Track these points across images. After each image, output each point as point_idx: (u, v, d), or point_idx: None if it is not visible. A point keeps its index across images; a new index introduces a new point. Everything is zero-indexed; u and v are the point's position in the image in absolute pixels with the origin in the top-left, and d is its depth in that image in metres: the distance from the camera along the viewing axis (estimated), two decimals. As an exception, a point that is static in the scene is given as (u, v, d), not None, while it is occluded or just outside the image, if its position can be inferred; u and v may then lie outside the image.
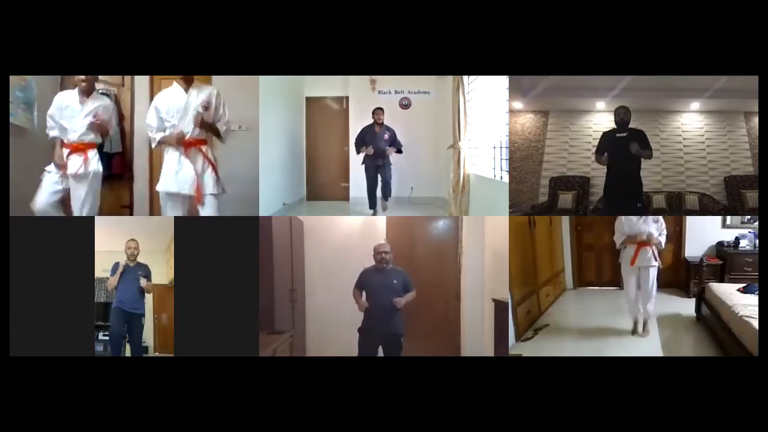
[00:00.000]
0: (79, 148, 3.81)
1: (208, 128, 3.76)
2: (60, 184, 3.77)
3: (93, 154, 3.87)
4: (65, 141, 3.83)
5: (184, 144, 3.68)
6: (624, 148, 4.01)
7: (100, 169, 3.89)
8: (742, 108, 5.83)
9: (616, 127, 4.17)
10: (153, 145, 3.90)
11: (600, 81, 5.40)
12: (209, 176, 3.73)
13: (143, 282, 3.91)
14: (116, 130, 5.16)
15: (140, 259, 3.96)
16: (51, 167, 3.81)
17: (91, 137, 3.85)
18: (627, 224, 4.29)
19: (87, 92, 3.83)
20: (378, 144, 6.12)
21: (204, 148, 3.76)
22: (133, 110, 5.29)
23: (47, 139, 3.88)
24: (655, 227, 4.27)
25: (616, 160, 4.09)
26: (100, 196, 3.96)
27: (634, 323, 4.40)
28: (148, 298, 4.08)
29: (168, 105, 3.71)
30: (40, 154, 4.05)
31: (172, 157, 3.72)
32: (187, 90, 3.71)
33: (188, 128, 3.69)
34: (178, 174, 3.69)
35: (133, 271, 3.91)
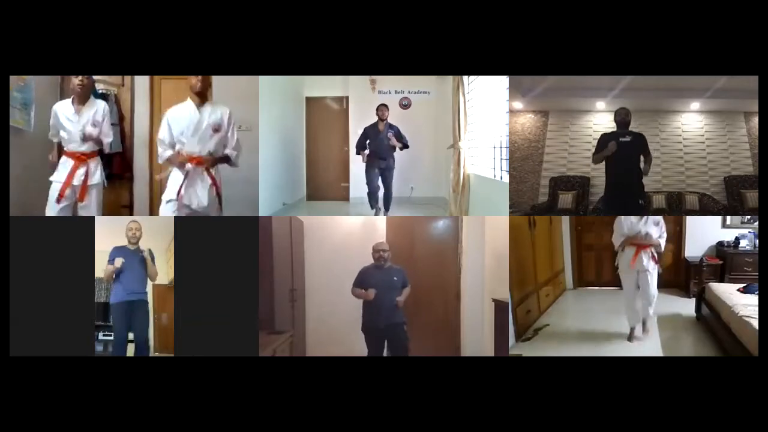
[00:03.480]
0: (80, 158, 3.78)
1: (219, 161, 3.71)
2: (67, 198, 3.75)
3: (95, 166, 3.84)
4: (66, 150, 3.81)
5: (190, 161, 3.61)
6: (627, 151, 4.00)
7: (103, 181, 3.89)
8: (742, 108, 5.84)
9: (616, 127, 4.13)
10: (159, 161, 3.81)
11: (600, 81, 5.40)
12: (213, 197, 3.67)
13: (146, 253, 3.76)
14: (116, 131, 5.18)
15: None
16: (55, 176, 3.77)
17: (90, 147, 3.83)
18: (627, 225, 4.20)
19: (82, 99, 3.79)
20: (382, 144, 5.96)
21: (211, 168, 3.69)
22: (133, 110, 5.29)
23: (50, 143, 3.88)
24: (656, 229, 4.18)
25: (618, 162, 4.06)
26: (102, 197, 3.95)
27: (631, 330, 4.29)
28: (148, 295, 4.05)
29: (179, 121, 3.62)
30: (38, 154, 4.05)
31: (178, 175, 3.65)
32: (199, 107, 3.63)
33: (197, 147, 3.61)
34: (184, 189, 3.63)
35: (134, 255, 3.76)
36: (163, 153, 3.68)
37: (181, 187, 3.60)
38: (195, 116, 3.62)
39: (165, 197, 3.68)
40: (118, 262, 3.68)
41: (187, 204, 3.61)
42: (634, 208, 4.10)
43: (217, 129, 3.65)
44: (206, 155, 3.64)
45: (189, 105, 3.64)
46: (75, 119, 3.78)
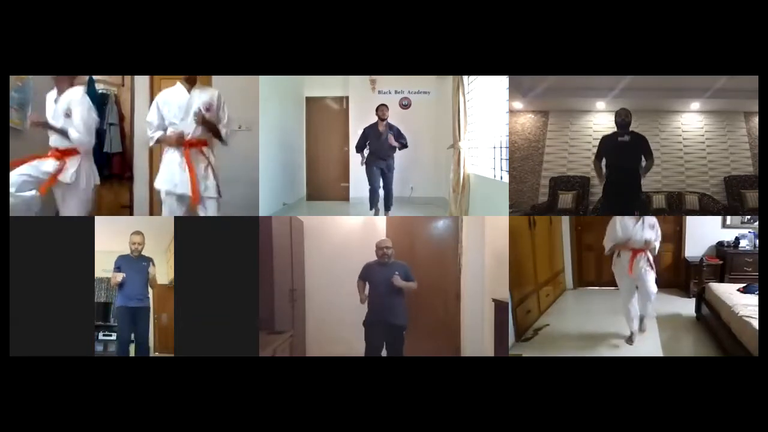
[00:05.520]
0: (56, 155, 3.64)
1: (210, 128, 3.71)
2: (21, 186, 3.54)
3: (74, 165, 3.66)
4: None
5: (185, 144, 3.65)
6: (626, 151, 4.01)
7: (90, 181, 3.74)
8: (742, 108, 5.83)
9: (616, 128, 4.12)
10: (150, 144, 3.86)
11: (600, 81, 5.40)
12: (210, 180, 3.70)
13: (151, 269, 3.82)
14: (115, 131, 5.18)
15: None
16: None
17: (65, 142, 3.64)
18: (622, 229, 4.13)
19: (63, 85, 3.64)
20: (382, 144, 5.93)
21: (205, 149, 3.72)
22: (133, 110, 5.30)
23: (46, 143, 3.74)
24: (652, 233, 4.12)
25: (617, 162, 4.06)
26: (97, 199, 3.88)
27: (631, 333, 4.25)
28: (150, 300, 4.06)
29: (170, 104, 3.67)
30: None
31: (172, 157, 3.68)
32: (189, 90, 3.68)
33: (189, 128, 3.65)
34: (177, 174, 3.65)
35: (138, 263, 3.82)
36: (153, 134, 3.72)
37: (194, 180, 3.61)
38: (185, 97, 3.66)
39: (162, 187, 3.69)
40: (119, 276, 3.75)
41: (182, 193, 3.62)
42: (630, 211, 4.09)
43: (208, 108, 3.67)
44: (198, 114, 3.62)
45: (179, 88, 3.69)
46: (53, 107, 3.66)
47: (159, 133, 3.71)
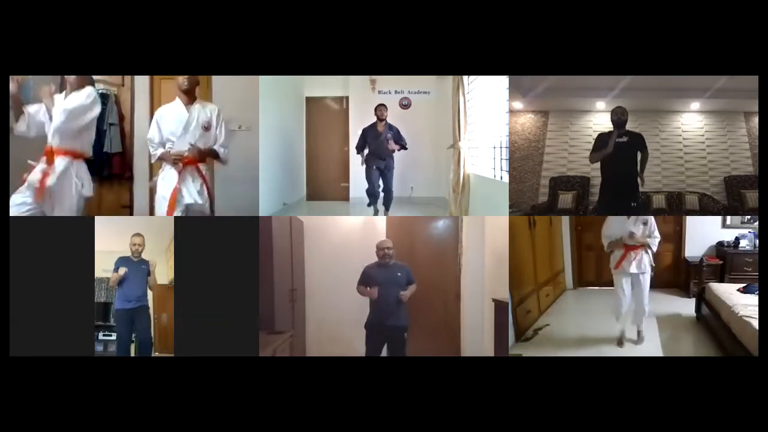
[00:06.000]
0: (47, 152, 3.49)
1: (208, 156, 3.70)
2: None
3: (61, 164, 3.46)
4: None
5: (183, 162, 3.60)
6: (622, 151, 3.99)
7: (75, 187, 3.52)
8: (742, 108, 5.84)
9: (613, 127, 4.09)
10: (153, 160, 3.85)
11: (600, 81, 5.40)
12: (204, 195, 3.65)
13: (150, 265, 3.86)
14: (115, 131, 5.17)
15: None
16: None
17: (55, 139, 3.47)
18: (613, 226, 4.12)
19: (74, 85, 3.57)
20: (381, 144, 5.94)
21: (202, 167, 3.68)
22: (133, 110, 5.30)
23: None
24: (643, 229, 4.06)
25: (614, 162, 4.05)
26: (96, 202, 3.78)
27: (621, 334, 4.15)
28: (149, 296, 4.06)
29: (168, 121, 3.63)
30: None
31: (170, 174, 3.63)
32: (188, 106, 3.63)
33: (185, 147, 3.59)
34: (173, 186, 3.61)
35: (137, 265, 3.85)
36: (155, 152, 3.69)
37: (175, 188, 3.58)
38: (184, 115, 3.62)
39: (160, 195, 3.68)
40: (122, 271, 3.78)
41: (180, 200, 3.59)
42: (627, 209, 4.07)
43: (207, 127, 3.65)
44: (192, 150, 3.58)
45: (178, 104, 3.65)
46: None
47: (160, 151, 3.64)
